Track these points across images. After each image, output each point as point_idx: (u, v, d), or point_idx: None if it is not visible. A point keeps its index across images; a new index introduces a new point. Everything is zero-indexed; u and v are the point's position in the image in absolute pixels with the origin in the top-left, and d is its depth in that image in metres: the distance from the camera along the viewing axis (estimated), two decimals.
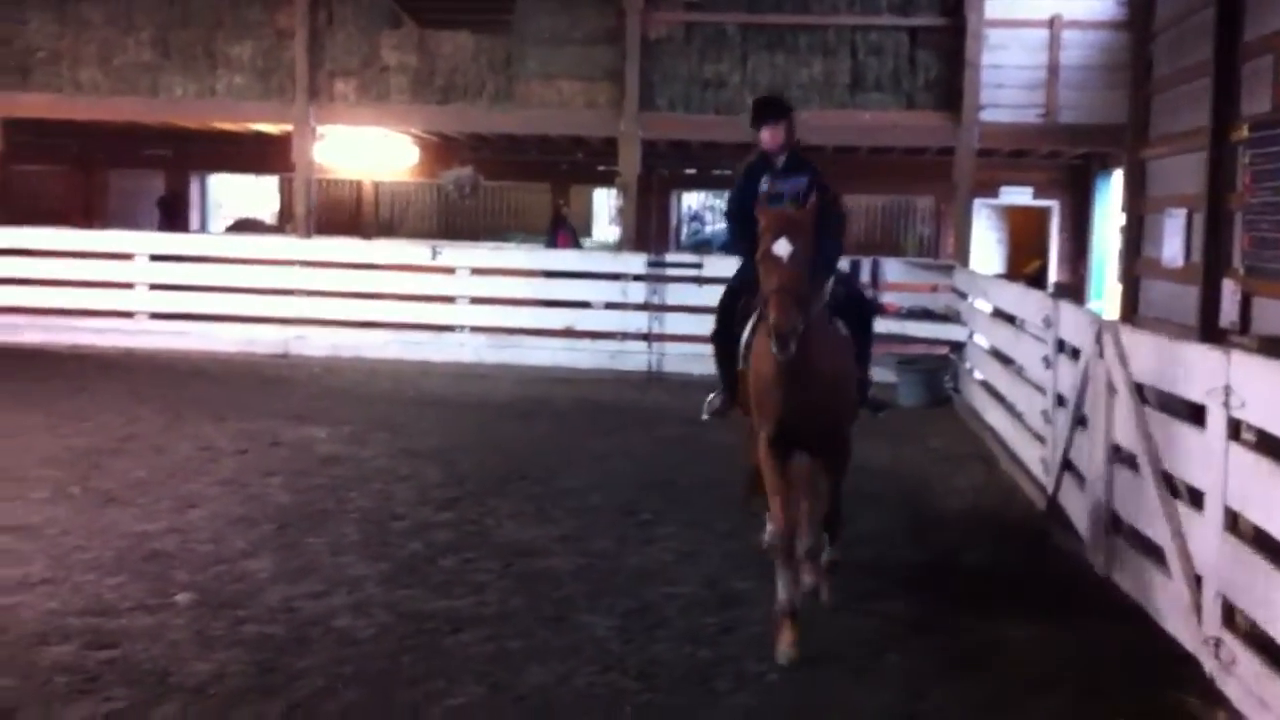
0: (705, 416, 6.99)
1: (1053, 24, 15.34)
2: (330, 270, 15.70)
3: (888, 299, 15.09)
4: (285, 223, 20.43)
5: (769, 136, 6.66)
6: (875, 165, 18.71)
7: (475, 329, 15.50)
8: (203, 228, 22.79)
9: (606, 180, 19.06)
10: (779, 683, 5.51)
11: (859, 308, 6.81)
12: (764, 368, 5.98)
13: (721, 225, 27.53)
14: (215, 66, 16.30)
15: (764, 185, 6.59)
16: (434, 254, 15.78)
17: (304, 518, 7.95)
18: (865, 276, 14.78)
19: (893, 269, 15.56)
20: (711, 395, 6.97)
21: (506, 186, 21.76)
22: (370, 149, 19.23)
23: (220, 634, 5.86)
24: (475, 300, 15.56)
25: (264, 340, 15.51)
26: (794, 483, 6.21)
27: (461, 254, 15.93)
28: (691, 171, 21.63)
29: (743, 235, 6.54)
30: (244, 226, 22.09)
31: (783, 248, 5.72)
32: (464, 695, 5.28)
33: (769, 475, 6.11)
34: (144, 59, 16.32)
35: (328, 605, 6.31)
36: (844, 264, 14.63)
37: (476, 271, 15.66)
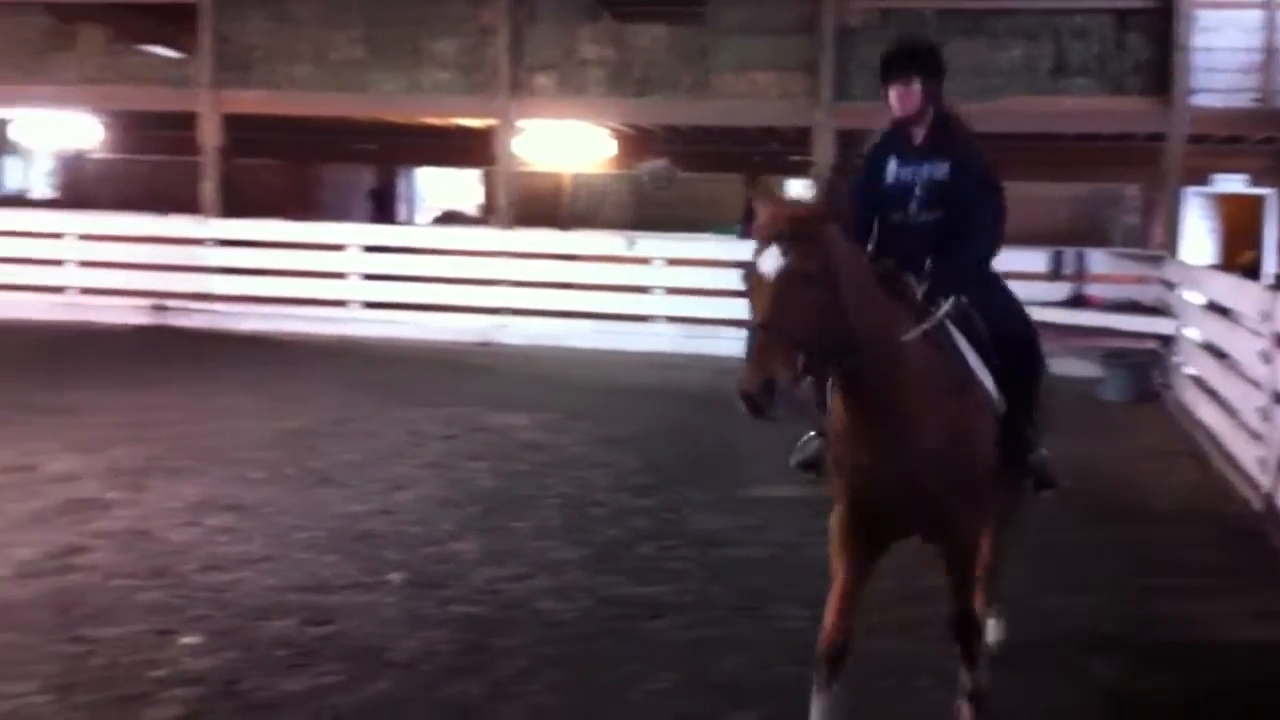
0: (793, 464, 5.08)
1: (1269, 4, 14.66)
2: (530, 261, 16.06)
3: (1092, 291, 14.68)
4: (489, 215, 20.94)
5: (897, 99, 4.86)
6: (1079, 153, 18.19)
7: (670, 319, 15.65)
8: (409, 220, 23.53)
9: (800, 171, 18.97)
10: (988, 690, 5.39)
11: (1014, 341, 4.83)
12: (839, 414, 4.40)
13: None
14: (421, 62, 16.76)
15: (890, 173, 4.92)
16: (630, 245, 15.98)
17: (507, 502, 8.19)
18: (1068, 268, 14.41)
19: (1098, 260, 15.11)
20: (808, 436, 5.07)
21: (700, 178, 21.85)
22: (568, 142, 19.55)
23: (429, 613, 6.08)
24: (670, 290, 15.71)
25: (468, 329, 15.92)
26: (864, 575, 4.63)
27: (657, 245, 16.10)
28: None
29: (861, 238, 4.83)
30: (450, 219, 22.73)
31: (770, 261, 3.96)
32: (661, 680, 5.37)
33: (832, 552, 4.62)
34: (353, 56, 16.86)
35: (530, 587, 6.49)
36: (1044, 256, 14.58)
37: (672, 262, 15.81)
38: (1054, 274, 14.54)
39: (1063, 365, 13.31)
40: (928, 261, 4.66)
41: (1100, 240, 19.00)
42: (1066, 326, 13.78)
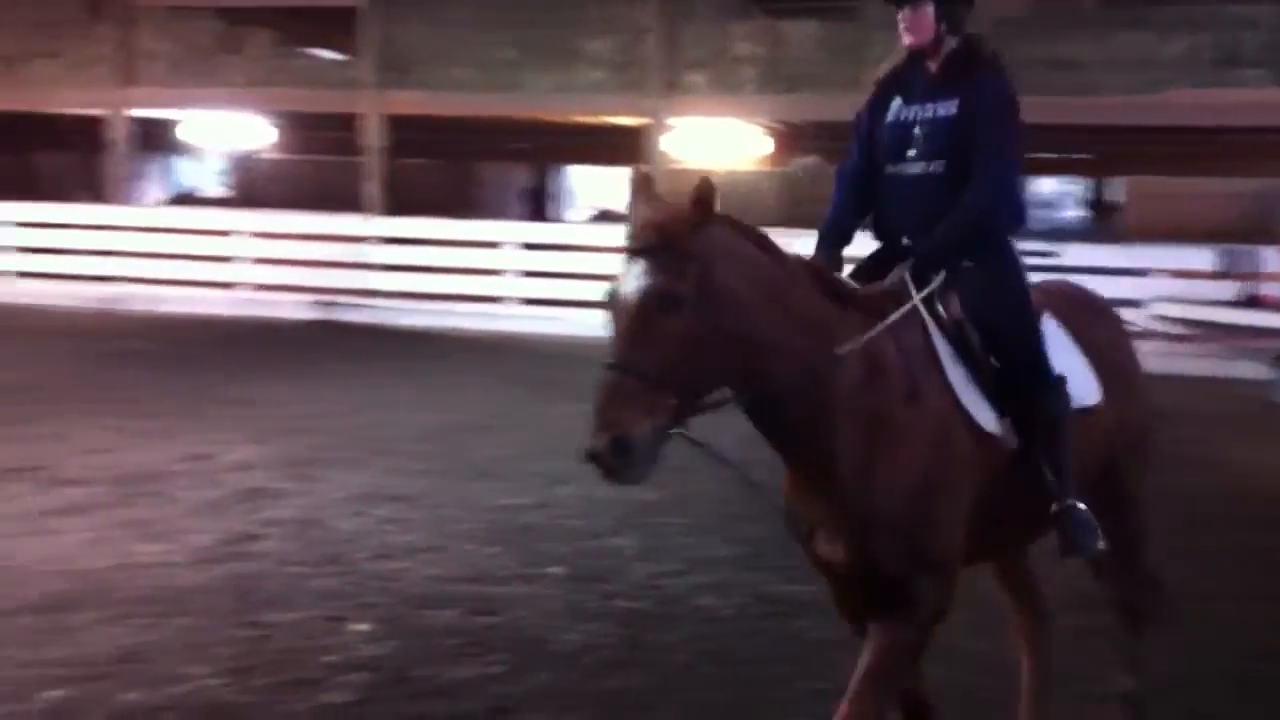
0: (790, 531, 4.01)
1: None
2: None
3: (1266, 290, 14.20)
4: None
5: (906, 24, 4.06)
6: (1249, 146, 17.57)
7: None
8: (561, 218, 23.83)
9: None
10: (1146, 695, 5.29)
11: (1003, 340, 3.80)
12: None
13: (1075, 213, 26.44)
14: (574, 62, 17.00)
15: (892, 112, 4.04)
16: None
17: (663, 499, 8.25)
18: (1240, 267, 13.97)
19: (1271, 258, 14.60)
20: None
21: None
22: (720, 139, 19.59)
23: (591, 606, 6.18)
24: None
25: None
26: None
27: (807, 243, 16.00)
28: (1050, 155, 20.92)
29: (853, 205, 4.11)
30: (606, 218, 22.96)
31: (632, 282, 3.16)
32: (818, 680, 5.36)
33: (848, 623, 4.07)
34: (509, 57, 17.19)
35: (688, 584, 6.56)
36: (1213, 254, 14.17)
37: None
38: (1225, 273, 14.09)
39: (1234, 367, 13.00)
40: (904, 238, 3.89)
41: (1272, 237, 18.37)
42: (1238, 327, 13.37)
